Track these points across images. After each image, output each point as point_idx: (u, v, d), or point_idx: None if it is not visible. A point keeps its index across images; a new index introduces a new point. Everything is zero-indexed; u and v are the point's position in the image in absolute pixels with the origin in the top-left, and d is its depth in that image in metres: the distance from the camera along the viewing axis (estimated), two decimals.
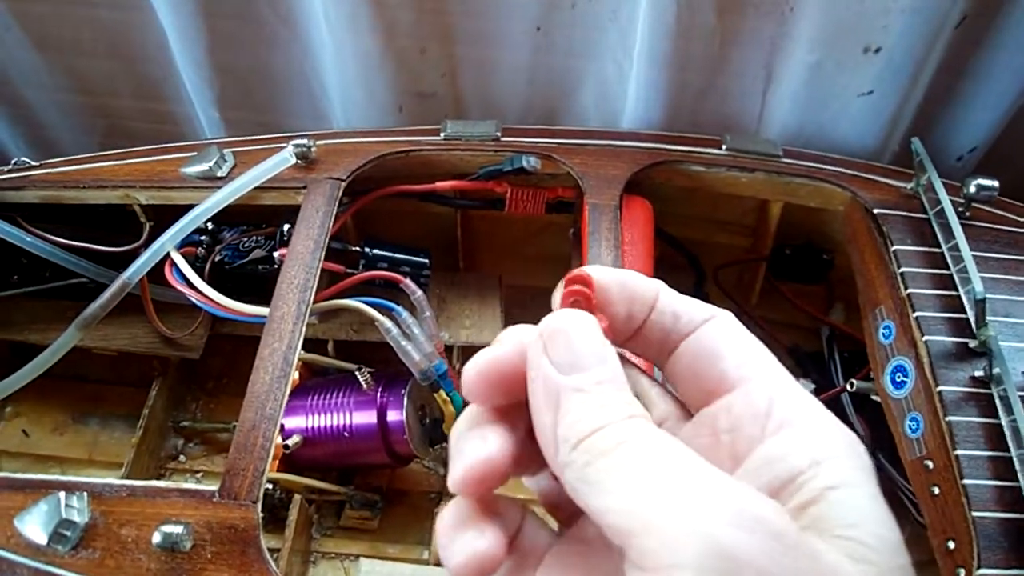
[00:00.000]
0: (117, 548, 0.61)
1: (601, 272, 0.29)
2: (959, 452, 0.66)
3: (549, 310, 0.28)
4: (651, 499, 0.23)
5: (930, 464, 0.68)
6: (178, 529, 0.59)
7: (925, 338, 0.72)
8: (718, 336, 0.29)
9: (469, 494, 0.27)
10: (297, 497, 0.84)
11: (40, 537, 0.61)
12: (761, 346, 0.29)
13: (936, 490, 0.67)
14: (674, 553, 0.22)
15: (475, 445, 0.27)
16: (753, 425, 0.27)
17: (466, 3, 0.92)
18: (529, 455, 0.28)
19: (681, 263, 0.97)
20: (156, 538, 0.59)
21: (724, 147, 0.87)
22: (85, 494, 0.63)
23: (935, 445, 0.68)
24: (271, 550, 0.82)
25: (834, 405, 0.90)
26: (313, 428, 0.84)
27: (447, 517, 0.27)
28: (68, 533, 0.61)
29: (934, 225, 0.80)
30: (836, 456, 0.25)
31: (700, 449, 0.26)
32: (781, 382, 0.28)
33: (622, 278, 0.30)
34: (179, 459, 0.95)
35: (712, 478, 0.23)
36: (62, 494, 0.63)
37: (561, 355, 0.26)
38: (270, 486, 0.84)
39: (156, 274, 0.84)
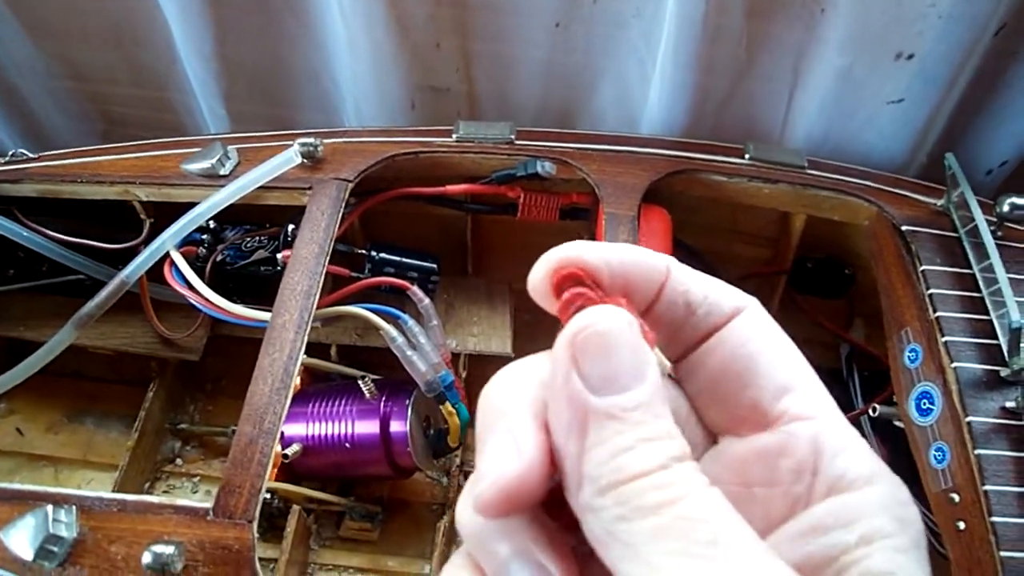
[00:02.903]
0: (106, 566, 0.59)
1: (589, 250, 0.23)
2: (988, 487, 0.63)
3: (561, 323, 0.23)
4: None
5: (956, 498, 0.65)
6: (169, 549, 0.57)
7: (954, 364, 0.68)
8: (749, 344, 0.24)
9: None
10: (295, 507, 0.82)
11: (26, 552, 0.59)
12: (798, 355, 0.24)
13: (962, 525, 0.64)
14: None
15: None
16: (797, 483, 0.23)
17: None
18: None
19: None
20: (146, 558, 0.57)
21: (747, 156, 0.84)
22: (74, 507, 0.61)
23: (962, 478, 0.65)
24: (267, 560, 0.81)
25: (852, 424, 0.87)
26: (313, 436, 0.82)
27: None
28: (55, 549, 0.59)
29: (965, 244, 0.76)
30: (890, 533, 0.22)
31: (728, 500, 0.22)
32: (829, 422, 0.23)
33: (614, 258, 0.24)
34: (176, 462, 0.93)
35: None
36: (50, 507, 0.60)
37: (595, 368, 0.21)
38: (268, 495, 0.81)
39: (156, 272, 0.82)
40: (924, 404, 0.71)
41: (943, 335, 0.70)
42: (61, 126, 1.17)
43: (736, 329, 0.24)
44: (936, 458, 0.68)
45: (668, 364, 0.26)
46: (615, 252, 0.24)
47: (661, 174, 0.81)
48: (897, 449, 0.83)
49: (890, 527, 0.22)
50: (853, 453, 0.23)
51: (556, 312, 0.24)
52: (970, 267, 0.75)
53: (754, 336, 0.24)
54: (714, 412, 0.25)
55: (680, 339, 0.25)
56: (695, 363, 0.25)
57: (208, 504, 0.60)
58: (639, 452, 0.20)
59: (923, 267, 0.75)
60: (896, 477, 0.23)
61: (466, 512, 0.23)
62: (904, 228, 0.78)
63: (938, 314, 0.71)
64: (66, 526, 0.60)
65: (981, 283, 0.73)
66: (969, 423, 0.65)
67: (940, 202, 0.80)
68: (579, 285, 0.23)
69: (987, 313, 0.71)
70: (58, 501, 0.61)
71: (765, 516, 0.23)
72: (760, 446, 0.24)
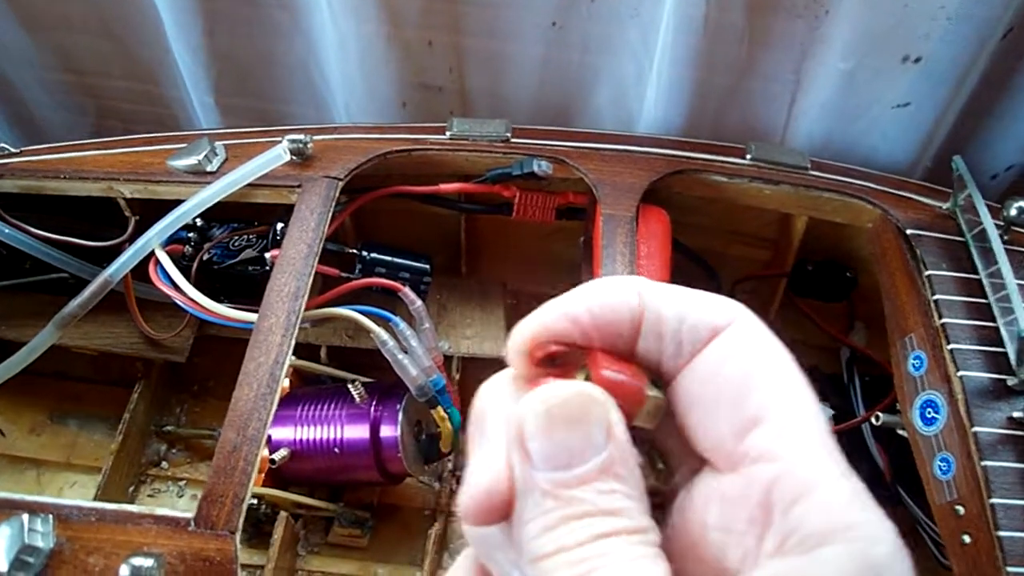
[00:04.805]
0: None
1: (555, 315, 0.23)
2: (994, 500, 0.61)
3: None
4: None
5: (961, 510, 0.63)
6: (148, 562, 0.55)
7: (960, 373, 0.67)
8: (722, 371, 0.22)
9: None
10: (283, 513, 0.80)
11: (1, 563, 0.56)
12: (781, 376, 0.22)
13: (967, 538, 0.62)
14: None
15: None
16: (747, 535, 0.20)
17: None
18: None
19: (696, 276, 0.92)
20: (124, 570, 0.55)
21: (748, 156, 0.82)
22: (51, 517, 0.59)
23: (968, 490, 0.63)
24: (254, 567, 0.79)
25: (853, 431, 0.86)
26: (302, 441, 0.80)
27: None
28: (31, 560, 0.57)
29: (972, 249, 0.75)
30: None
31: (683, 548, 0.21)
32: (794, 463, 0.20)
33: (582, 310, 0.23)
34: (161, 465, 0.91)
35: None
36: (26, 516, 0.58)
37: (540, 444, 0.21)
38: (255, 501, 0.79)
39: (141, 271, 0.79)
40: (929, 413, 0.69)
41: (949, 342, 0.68)
42: (53, 117, 1.15)
43: (710, 354, 0.23)
44: (941, 469, 0.66)
45: (664, 399, 0.24)
46: (584, 302, 0.23)
47: (661, 174, 0.79)
48: (895, 450, 0.82)
49: None
50: (815, 502, 0.20)
51: None
52: (976, 272, 0.73)
53: (728, 361, 0.22)
54: (697, 442, 0.23)
55: (666, 362, 0.23)
56: (677, 389, 0.23)
57: (190, 514, 0.58)
58: (565, 529, 0.20)
59: (928, 272, 0.73)
60: (875, 529, 0.20)
61: None
62: (909, 231, 0.76)
63: (943, 320, 0.70)
64: (42, 536, 0.58)
65: (988, 289, 0.71)
66: (975, 433, 0.63)
67: (946, 205, 0.78)
68: (554, 357, 0.23)
69: (994, 320, 0.69)
70: (35, 510, 0.59)
71: (719, 570, 0.21)
72: (722, 488, 0.22)
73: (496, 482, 0.22)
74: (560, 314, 0.23)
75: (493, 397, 0.24)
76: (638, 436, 0.23)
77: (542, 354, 0.23)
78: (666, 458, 0.24)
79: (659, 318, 0.23)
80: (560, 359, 0.23)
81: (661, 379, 0.24)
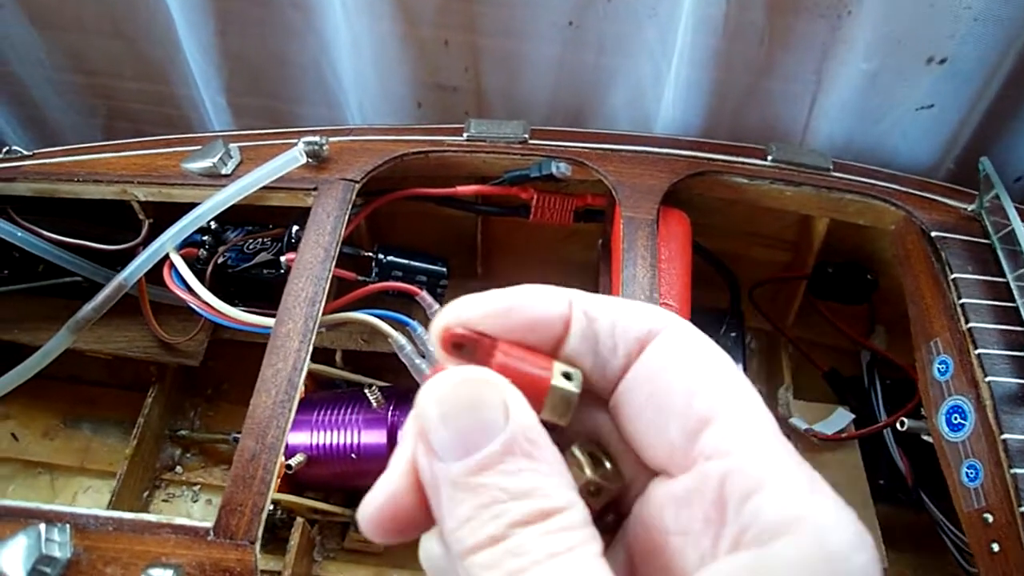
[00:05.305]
0: None
1: (468, 307, 0.23)
2: None
3: None
4: None
5: (990, 518, 0.62)
6: (167, 573, 0.54)
7: (988, 378, 0.65)
8: (663, 375, 0.22)
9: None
10: (299, 519, 0.79)
11: (18, 573, 0.56)
12: (725, 377, 0.22)
13: (996, 547, 0.61)
14: None
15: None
16: (704, 534, 0.20)
17: None
18: None
19: (714, 278, 0.91)
20: None
21: (769, 158, 0.81)
22: (68, 526, 0.58)
23: (997, 498, 0.62)
24: (270, 573, 0.78)
25: (873, 435, 0.85)
26: (318, 446, 0.79)
27: None
28: (48, 570, 0.56)
29: (998, 251, 0.73)
30: None
31: (644, 557, 0.21)
32: (746, 457, 0.20)
33: (498, 307, 0.23)
34: (175, 470, 0.90)
35: None
36: (43, 526, 0.57)
37: (439, 435, 0.20)
38: (271, 507, 0.79)
39: (156, 274, 0.79)
40: (955, 419, 0.68)
41: (976, 347, 0.67)
42: (64, 119, 1.14)
43: (648, 360, 0.22)
44: (968, 476, 0.65)
45: (576, 392, 0.23)
46: (505, 298, 0.23)
47: (681, 175, 0.78)
48: (916, 455, 0.81)
49: None
50: (770, 494, 0.19)
51: None
52: (1004, 275, 0.71)
53: (668, 365, 0.22)
54: (646, 450, 0.23)
55: (605, 374, 0.23)
56: (619, 399, 0.23)
57: (208, 523, 0.58)
58: (476, 523, 0.20)
59: (954, 275, 0.72)
60: (832, 518, 0.19)
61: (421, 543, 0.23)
62: (933, 234, 0.75)
63: (970, 325, 0.68)
64: (59, 546, 0.57)
65: (1016, 292, 0.70)
66: (1004, 440, 0.62)
67: (971, 207, 0.77)
68: (465, 344, 0.23)
69: (1022, 324, 0.68)
70: (52, 519, 0.58)
71: (680, 571, 0.21)
72: (676, 491, 0.21)
73: (397, 488, 0.21)
74: (476, 304, 0.23)
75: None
76: (581, 436, 0.23)
77: (450, 338, 0.23)
78: (614, 459, 0.24)
79: (591, 324, 0.23)
80: (471, 348, 0.23)
81: (582, 375, 0.23)
